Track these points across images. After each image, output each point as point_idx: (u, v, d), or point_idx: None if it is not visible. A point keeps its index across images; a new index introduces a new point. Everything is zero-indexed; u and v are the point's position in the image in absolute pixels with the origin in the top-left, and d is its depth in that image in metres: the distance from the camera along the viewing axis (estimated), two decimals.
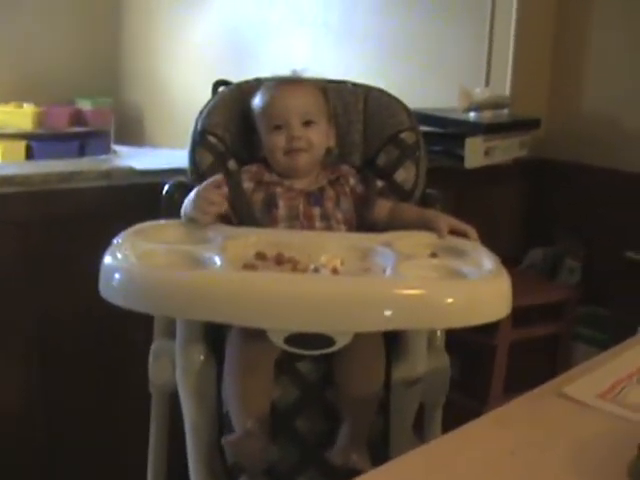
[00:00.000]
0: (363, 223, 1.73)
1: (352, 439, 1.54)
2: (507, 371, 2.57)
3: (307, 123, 1.71)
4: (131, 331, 1.91)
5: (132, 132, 5.40)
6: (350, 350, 1.44)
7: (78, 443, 2.14)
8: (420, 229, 1.66)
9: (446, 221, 1.65)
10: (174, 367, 1.67)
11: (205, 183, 1.63)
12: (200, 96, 1.89)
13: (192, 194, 1.62)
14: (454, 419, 1.17)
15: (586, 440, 1.09)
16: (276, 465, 1.60)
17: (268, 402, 1.59)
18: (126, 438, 2.14)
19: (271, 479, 1.61)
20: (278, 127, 1.71)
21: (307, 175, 1.74)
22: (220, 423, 1.64)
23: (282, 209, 1.69)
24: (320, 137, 1.73)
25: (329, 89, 1.82)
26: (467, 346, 2.46)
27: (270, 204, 1.69)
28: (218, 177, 1.66)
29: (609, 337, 2.58)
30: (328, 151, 1.78)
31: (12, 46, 5.29)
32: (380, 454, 1.62)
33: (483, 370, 2.55)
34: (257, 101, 1.76)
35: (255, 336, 1.46)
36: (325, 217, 1.70)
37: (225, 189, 1.66)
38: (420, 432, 1.78)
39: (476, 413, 1.16)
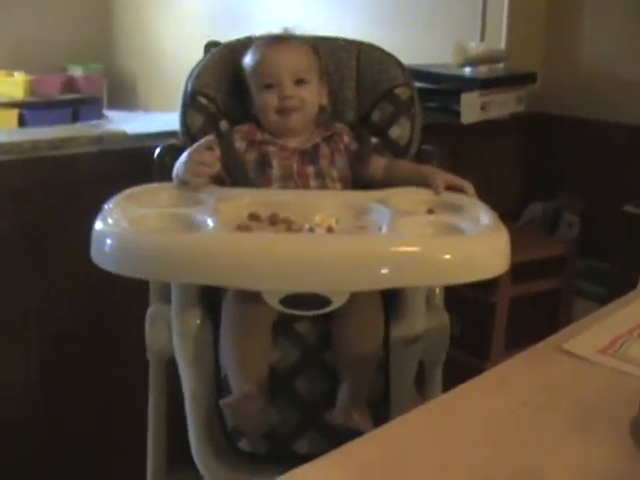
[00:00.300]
0: (358, 180, 1.71)
1: (352, 399, 1.53)
2: (508, 327, 2.56)
3: (299, 81, 1.69)
4: (128, 297, 1.89)
5: (125, 98, 5.35)
6: (347, 309, 1.43)
7: (79, 409, 2.14)
8: (417, 186, 1.64)
9: (443, 177, 1.63)
10: (171, 332, 1.66)
11: (196, 145, 1.60)
12: (193, 58, 1.86)
13: (183, 156, 1.59)
14: (456, 376, 1.16)
15: (588, 396, 1.08)
16: (276, 428, 1.59)
17: (266, 364, 1.58)
18: (127, 405, 2.13)
19: (271, 442, 1.61)
20: (270, 86, 1.68)
21: (300, 134, 1.71)
22: (218, 387, 1.63)
23: (276, 169, 1.66)
24: (312, 95, 1.71)
25: (321, 46, 1.80)
26: (467, 303, 2.46)
27: (264, 163, 1.67)
28: (210, 138, 1.63)
29: (609, 291, 2.57)
30: (321, 109, 1.76)
31: (1, 14, 5.22)
32: (381, 413, 1.62)
33: (484, 327, 2.55)
34: (248, 59, 1.74)
35: (251, 298, 1.45)
36: (320, 175, 1.68)
37: (217, 150, 1.64)
38: (421, 390, 1.77)
39: (478, 370, 1.16)
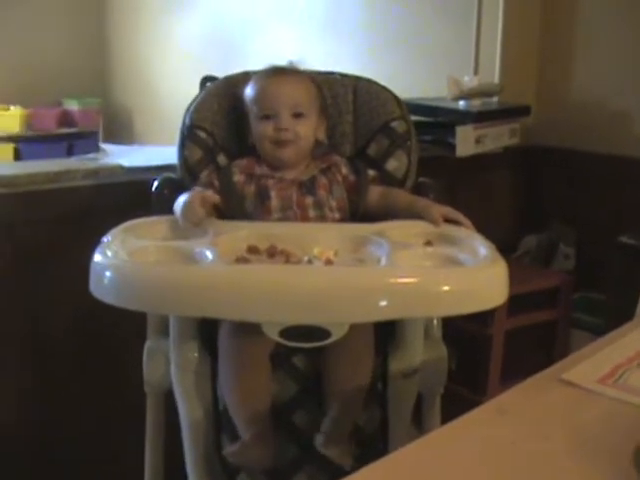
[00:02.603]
0: (356, 209, 1.72)
1: (334, 433, 1.53)
2: (504, 360, 2.55)
3: (297, 115, 1.69)
4: (128, 329, 1.88)
5: (121, 132, 5.38)
6: (339, 346, 1.42)
7: (74, 443, 2.12)
8: (413, 217, 1.65)
9: (440, 210, 1.64)
10: (168, 365, 1.66)
11: (193, 196, 1.59)
12: (188, 94, 1.87)
13: (182, 200, 1.59)
14: (453, 410, 1.15)
15: (588, 427, 1.08)
16: (275, 462, 1.58)
17: (269, 398, 1.57)
18: (125, 440, 2.12)
19: (270, 477, 1.60)
20: (267, 116, 1.69)
21: (296, 165, 1.72)
22: (217, 421, 1.63)
23: (274, 200, 1.67)
24: (308, 130, 1.71)
25: (318, 80, 1.81)
26: (464, 336, 2.45)
27: (262, 196, 1.68)
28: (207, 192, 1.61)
29: (605, 322, 2.57)
30: (318, 143, 1.77)
31: None
32: (379, 447, 1.61)
33: (480, 360, 2.54)
34: (249, 89, 1.75)
35: (247, 331, 1.45)
36: (318, 206, 1.68)
37: (216, 183, 1.67)
38: (419, 424, 1.76)
39: (475, 403, 1.15)
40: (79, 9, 5.50)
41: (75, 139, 5.28)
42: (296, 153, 1.71)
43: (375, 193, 1.74)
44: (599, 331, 1.45)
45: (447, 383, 1.76)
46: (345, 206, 1.72)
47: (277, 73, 1.75)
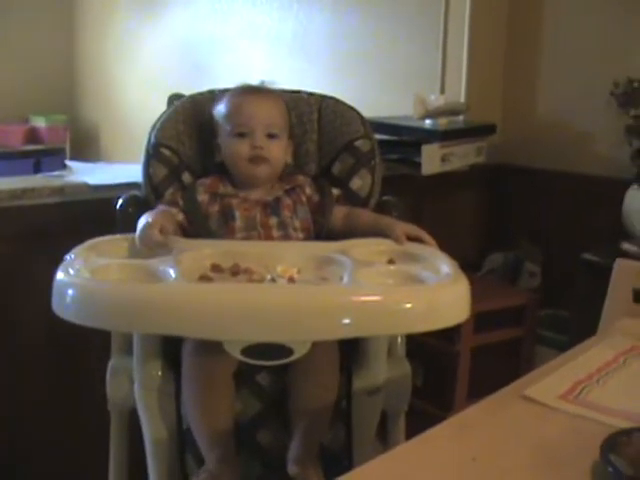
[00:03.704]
0: (321, 230, 1.72)
1: (304, 451, 1.53)
2: (471, 376, 2.57)
3: (270, 136, 1.69)
4: (91, 348, 1.87)
5: (88, 149, 5.35)
6: (303, 365, 1.43)
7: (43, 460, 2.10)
8: (377, 236, 1.65)
9: (402, 227, 1.65)
10: (132, 384, 1.64)
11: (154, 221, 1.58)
12: (156, 111, 1.88)
13: (141, 222, 1.58)
14: (419, 426, 1.16)
15: (548, 442, 1.08)
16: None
17: (232, 418, 1.56)
18: (90, 457, 2.10)
19: None
20: (242, 134, 1.69)
21: (263, 185, 1.72)
22: (181, 440, 1.62)
23: (239, 220, 1.67)
24: (280, 152, 1.72)
25: (284, 99, 1.81)
26: (430, 353, 2.46)
27: (226, 216, 1.68)
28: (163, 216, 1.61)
29: (570, 339, 2.58)
30: (285, 166, 1.77)
31: None
32: (344, 464, 1.61)
33: (447, 376, 2.55)
34: (222, 106, 1.74)
35: (210, 349, 1.44)
36: (282, 226, 1.69)
37: (180, 202, 1.67)
38: (384, 441, 1.76)
39: (441, 419, 1.15)
40: (47, 26, 5.48)
41: (42, 156, 5.24)
42: (269, 172, 1.71)
43: (339, 213, 1.74)
44: (565, 348, 1.45)
45: (414, 399, 1.77)
46: (309, 226, 1.72)
47: (253, 91, 1.75)
